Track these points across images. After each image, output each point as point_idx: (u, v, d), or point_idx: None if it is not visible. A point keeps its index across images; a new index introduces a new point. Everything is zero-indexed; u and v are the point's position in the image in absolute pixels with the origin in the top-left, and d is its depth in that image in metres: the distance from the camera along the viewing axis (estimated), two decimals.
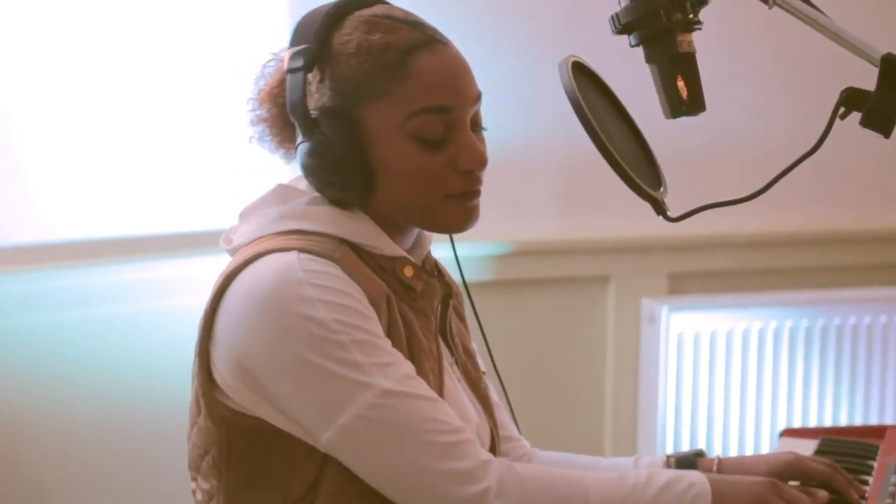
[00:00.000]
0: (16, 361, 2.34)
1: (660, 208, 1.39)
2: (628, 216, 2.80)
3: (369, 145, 1.36)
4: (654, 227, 2.77)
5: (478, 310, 1.62)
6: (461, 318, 1.59)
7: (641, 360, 2.94)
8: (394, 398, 1.29)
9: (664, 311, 2.85)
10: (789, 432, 1.93)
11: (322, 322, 1.29)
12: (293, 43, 1.41)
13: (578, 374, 2.96)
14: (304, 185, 1.44)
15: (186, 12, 2.48)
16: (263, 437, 1.35)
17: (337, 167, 1.36)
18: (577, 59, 1.40)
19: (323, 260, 1.33)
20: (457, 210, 1.40)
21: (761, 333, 2.91)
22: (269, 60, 1.47)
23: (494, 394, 1.61)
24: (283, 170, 1.57)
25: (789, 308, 2.93)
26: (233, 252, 1.45)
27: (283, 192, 1.44)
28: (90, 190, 2.43)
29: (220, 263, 1.40)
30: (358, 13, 1.41)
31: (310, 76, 1.39)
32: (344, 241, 1.38)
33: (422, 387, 1.33)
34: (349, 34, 1.38)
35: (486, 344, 1.62)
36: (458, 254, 1.58)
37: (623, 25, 1.38)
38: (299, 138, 1.39)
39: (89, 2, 2.39)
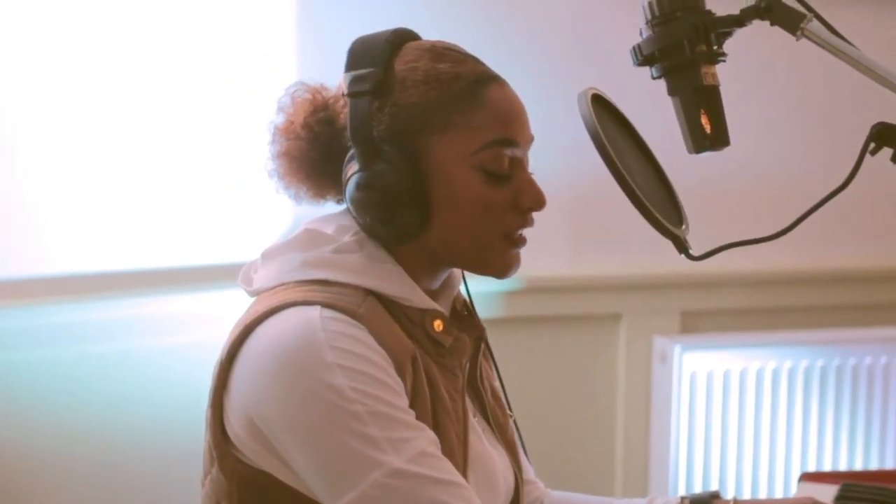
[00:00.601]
0: (15, 396, 2.30)
1: (682, 246, 1.35)
2: (640, 253, 2.80)
3: (432, 176, 1.32)
4: (667, 264, 2.82)
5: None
6: (487, 358, 1.54)
7: (653, 400, 2.90)
8: (404, 479, 1.22)
9: (676, 349, 2.81)
10: (808, 476, 1.89)
11: (339, 390, 1.23)
12: (350, 67, 1.36)
13: (589, 414, 2.92)
14: (331, 227, 1.39)
15: (193, 42, 2.45)
16: (274, 492, 1.30)
17: (394, 198, 1.31)
18: (596, 91, 1.37)
19: (346, 318, 1.27)
20: (506, 254, 1.37)
21: (776, 373, 2.87)
22: (298, 90, 1.42)
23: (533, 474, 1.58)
24: (286, 204, 1.51)
25: (804, 347, 2.89)
26: (253, 294, 1.40)
27: (309, 237, 1.38)
28: (91, 222, 2.40)
29: (226, 299, 1.36)
30: (415, 43, 1.38)
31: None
32: (370, 293, 1.33)
33: (438, 466, 1.26)
34: (414, 62, 1.35)
35: (502, 384, 1.58)
36: (469, 289, 1.54)
37: (645, 57, 1.35)
38: (353, 168, 1.33)
39: (95, 30, 2.36)
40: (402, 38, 1.38)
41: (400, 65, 1.35)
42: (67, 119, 2.35)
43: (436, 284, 1.42)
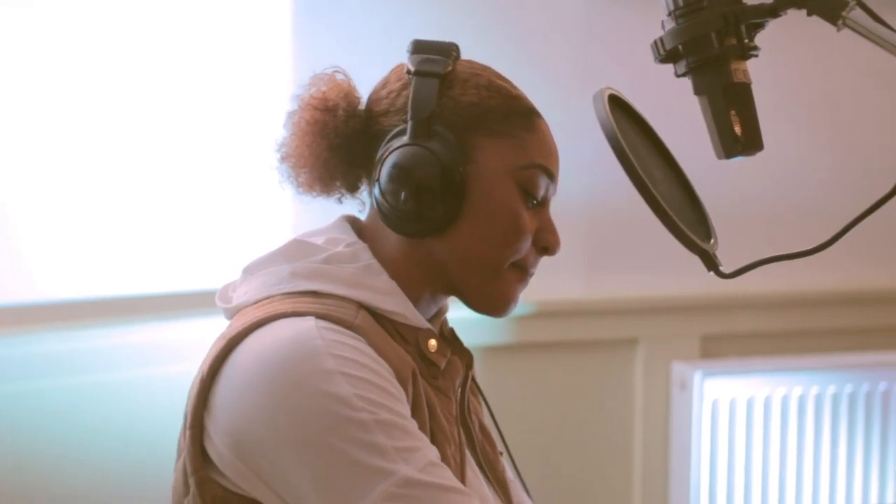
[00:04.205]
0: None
1: (711, 263, 1.25)
2: (657, 274, 2.77)
3: (474, 175, 1.31)
4: (685, 285, 2.76)
5: (497, 375, 1.51)
6: (473, 394, 1.48)
7: (672, 429, 2.84)
8: (416, 488, 1.18)
9: (697, 376, 2.76)
10: None
11: (343, 398, 1.18)
12: (417, 52, 1.35)
13: (605, 444, 2.86)
14: (321, 239, 1.34)
15: (180, 68, 2.41)
16: None
17: (433, 182, 1.28)
18: (613, 92, 1.28)
19: (343, 329, 1.23)
20: (513, 285, 1.35)
21: (802, 400, 2.81)
22: (336, 71, 1.37)
23: (510, 471, 1.51)
24: (292, 227, 1.43)
25: (831, 373, 2.84)
26: (231, 312, 1.33)
27: (296, 248, 1.34)
28: (77, 248, 2.35)
29: (211, 327, 1.28)
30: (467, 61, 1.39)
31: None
32: (363, 307, 1.27)
33: (447, 476, 1.22)
34: (478, 71, 1.36)
35: (493, 418, 1.51)
36: (475, 315, 1.45)
37: (668, 52, 1.24)
38: (401, 141, 1.30)
39: (77, 55, 2.32)
40: (457, 52, 1.39)
41: (463, 68, 1.35)
42: (56, 152, 2.32)
43: (432, 310, 1.37)
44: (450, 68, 1.33)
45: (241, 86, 2.43)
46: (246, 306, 1.30)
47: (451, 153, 1.28)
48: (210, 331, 1.34)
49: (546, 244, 1.35)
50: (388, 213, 1.30)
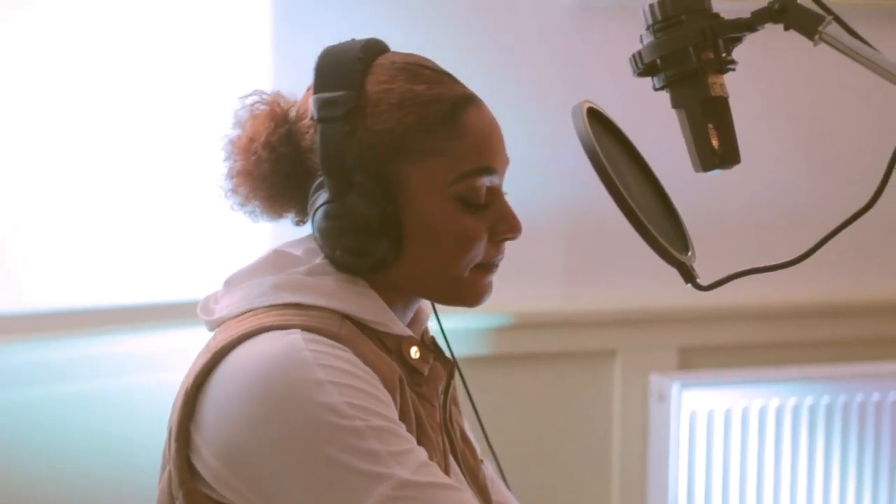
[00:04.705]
0: None
1: (689, 275, 1.25)
2: (635, 286, 2.75)
3: (407, 206, 1.27)
4: (663, 297, 2.76)
5: (475, 387, 1.51)
6: (454, 401, 1.47)
7: (650, 441, 2.83)
8: (412, 489, 1.18)
9: (674, 387, 2.74)
10: None
11: (334, 407, 1.17)
12: (319, 85, 1.30)
13: (583, 456, 2.84)
14: (300, 250, 1.33)
15: (163, 81, 2.40)
16: None
17: (367, 229, 1.26)
18: (592, 105, 1.27)
19: (329, 341, 1.23)
20: (479, 282, 1.33)
21: (779, 411, 2.80)
22: (255, 102, 1.34)
23: (493, 473, 1.52)
24: (275, 236, 1.43)
25: (809, 384, 2.82)
26: (213, 325, 1.32)
27: (277, 260, 1.32)
28: (61, 258, 2.34)
29: (193, 337, 1.27)
30: (387, 59, 1.31)
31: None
32: (346, 317, 1.26)
33: (439, 474, 1.23)
34: (388, 83, 1.29)
35: (481, 424, 1.51)
36: (453, 325, 1.47)
37: (646, 66, 1.24)
38: (322, 197, 1.27)
39: (62, 66, 2.31)
40: (373, 53, 1.32)
41: (373, 85, 1.29)
42: (42, 161, 2.31)
43: (408, 316, 1.36)
44: (353, 103, 1.27)
45: (222, 95, 2.41)
46: (229, 319, 1.29)
47: (377, 198, 1.26)
48: (195, 341, 1.34)
49: (505, 235, 1.33)
50: (331, 260, 1.30)
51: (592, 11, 2.71)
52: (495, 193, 1.32)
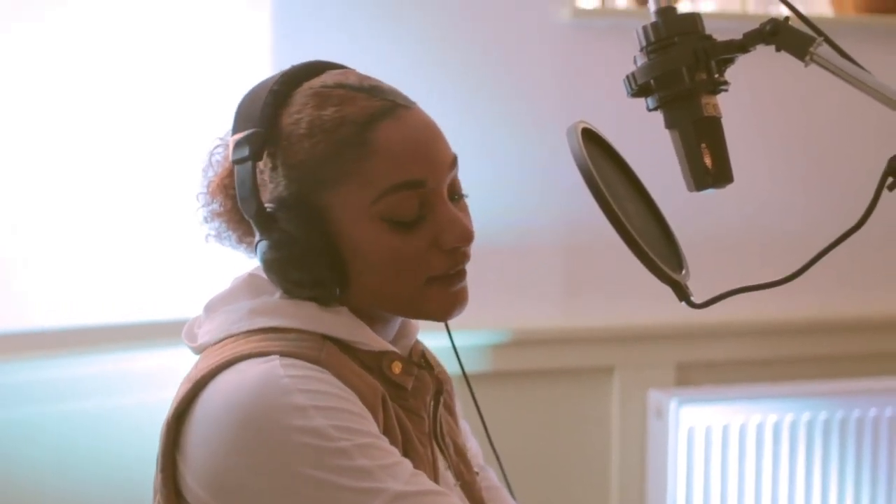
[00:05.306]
0: None
1: (683, 293, 1.24)
2: (633, 303, 2.75)
3: (337, 235, 1.25)
4: (661, 314, 2.77)
5: (473, 403, 1.49)
6: (451, 413, 1.46)
7: (649, 457, 2.83)
8: (408, 499, 1.17)
9: (672, 404, 2.74)
10: None
11: (319, 431, 1.16)
12: (237, 127, 1.28)
13: (581, 472, 2.84)
14: None
15: (154, 97, 2.41)
16: None
17: (303, 263, 1.24)
18: (587, 126, 1.27)
19: (308, 365, 1.21)
20: (442, 295, 1.28)
21: (777, 427, 2.80)
22: (216, 146, 1.34)
23: (497, 482, 1.51)
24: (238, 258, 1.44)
25: (806, 400, 2.82)
26: (197, 350, 1.31)
27: (252, 284, 1.31)
28: (60, 276, 2.34)
29: (174, 357, 1.27)
30: (307, 84, 1.28)
31: (260, 164, 1.26)
32: (327, 338, 1.25)
33: (427, 481, 1.22)
34: (298, 112, 1.26)
35: (489, 436, 1.50)
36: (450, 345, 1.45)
37: (640, 86, 1.24)
38: (257, 236, 1.26)
39: (53, 85, 2.32)
40: (291, 83, 1.29)
41: (286, 118, 1.26)
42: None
43: (390, 334, 1.35)
44: (262, 140, 1.24)
45: (223, 115, 2.42)
46: (210, 345, 1.29)
47: (301, 228, 1.24)
48: (193, 359, 1.33)
49: (452, 244, 1.27)
50: (287, 294, 1.28)
51: (590, 31, 2.72)
52: (431, 204, 1.27)
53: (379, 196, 1.24)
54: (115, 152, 2.37)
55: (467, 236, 1.27)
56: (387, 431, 1.24)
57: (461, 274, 1.30)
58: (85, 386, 2.33)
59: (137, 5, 2.39)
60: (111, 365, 2.36)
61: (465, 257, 1.29)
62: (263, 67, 2.44)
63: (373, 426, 1.21)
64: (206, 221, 1.34)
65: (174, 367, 1.77)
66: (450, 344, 1.46)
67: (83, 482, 2.33)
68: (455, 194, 1.31)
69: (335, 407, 1.18)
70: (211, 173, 1.33)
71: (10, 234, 2.30)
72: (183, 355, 1.35)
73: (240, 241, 1.35)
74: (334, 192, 1.24)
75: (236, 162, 1.26)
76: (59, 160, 2.33)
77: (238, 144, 1.26)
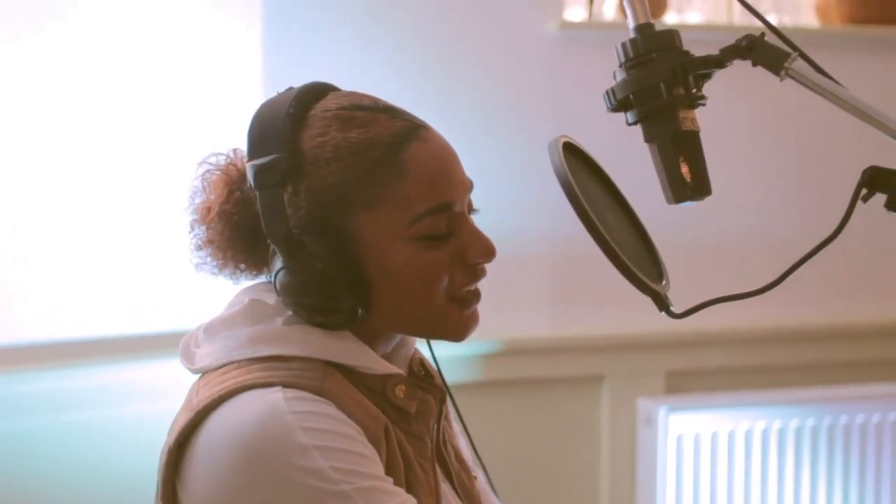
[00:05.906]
0: None
1: (663, 304, 1.26)
2: (621, 312, 2.75)
3: (365, 257, 1.24)
4: (650, 323, 2.76)
5: (463, 413, 1.49)
6: (447, 418, 1.45)
7: (638, 465, 2.83)
8: None
9: (662, 411, 2.75)
10: None
11: (320, 472, 1.16)
12: (253, 152, 1.26)
13: (571, 480, 2.85)
14: (273, 298, 1.29)
15: (154, 109, 2.42)
16: None
17: (329, 289, 1.23)
18: (568, 140, 1.28)
19: (312, 396, 1.20)
20: (460, 316, 1.29)
21: (765, 434, 2.81)
22: (207, 171, 1.32)
23: (485, 485, 1.50)
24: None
25: (795, 407, 2.84)
26: (195, 372, 1.30)
27: (254, 309, 1.29)
28: (60, 288, 2.35)
29: (167, 370, 1.27)
30: (321, 107, 1.27)
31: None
32: (329, 364, 1.25)
33: None
34: (322, 135, 1.24)
35: (474, 448, 1.50)
36: (442, 353, 1.45)
37: (619, 101, 1.26)
38: (278, 263, 1.24)
39: (51, 101, 2.33)
40: (306, 104, 1.27)
41: (308, 141, 1.24)
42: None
43: (389, 347, 1.34)
44: (287, 165, 1.22)
45: (208, 128, 2.43)
46: (210, 370, 1.27)
47: (330, 253, 1.22)
48: (184, 372, 1.32)
49: (476, 259, 1.28)
50: (304, 321, 1.26)
51: (578, 43, 2.74)
52: (458, 219, 1.28)
53: (413, 220, 1.24)
54: (114, 165, 2.37)
55: (491, 251, 1.29)
56: (389, 461, 1.24)
57: (478, 295, 1.30)
58: (84, 397, 2.33)
59: (137, 21, 2.39)
60: (110, 376, 2.37)
61: (483, 273, 1.30)
62: (253, 82, 2.45)
63: (376, 466, 1.20)
64: (198, 249, 1.32)
65: (173, 378, 1.78)
66: (432, 355, 1.45)
67: (82, 493, 2.32)
68: (471, 210, 1.32)
69: (338, 448, 1.17)
70: (205, 197, 1.31)
71: (9, 237, 2.30)
72: (182, 367, 1.35)
73: (224, 266, 1.32)
74: (365, 215, 1.23)
75: (260, 188, 1.23)
76: (58, 174, 2.33)
77: (261, 171, 1.23)
